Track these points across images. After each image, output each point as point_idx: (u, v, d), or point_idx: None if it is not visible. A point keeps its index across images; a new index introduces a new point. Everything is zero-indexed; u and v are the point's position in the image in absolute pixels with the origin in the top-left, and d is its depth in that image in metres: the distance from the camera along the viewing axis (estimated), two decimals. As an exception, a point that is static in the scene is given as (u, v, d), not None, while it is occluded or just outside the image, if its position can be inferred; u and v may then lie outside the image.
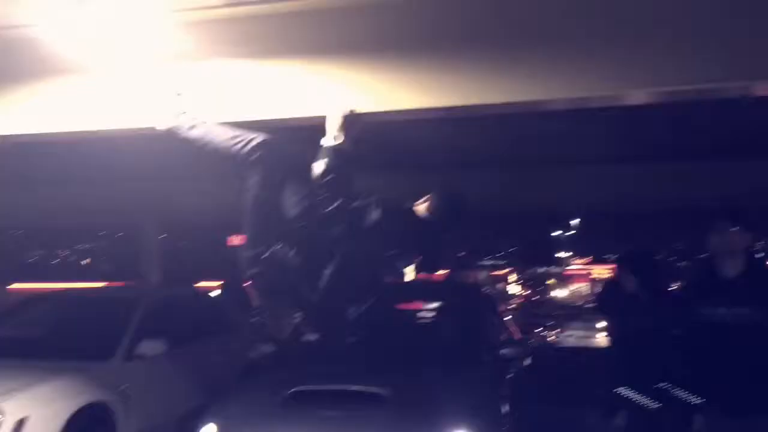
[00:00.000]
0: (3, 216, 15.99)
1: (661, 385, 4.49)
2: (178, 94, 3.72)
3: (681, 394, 4.02)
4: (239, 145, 3.42)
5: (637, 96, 3.95)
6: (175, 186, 11.65)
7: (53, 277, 23.49)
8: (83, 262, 51.62)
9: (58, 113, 4.25)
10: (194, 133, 3.59)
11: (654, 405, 4.64)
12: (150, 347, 6.28)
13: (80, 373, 5.74)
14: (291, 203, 3.41)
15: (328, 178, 3.29)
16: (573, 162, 10.27)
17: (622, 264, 5.04)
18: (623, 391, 4.77)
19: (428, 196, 3.43)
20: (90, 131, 4.25)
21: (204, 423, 4.80)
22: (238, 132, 3.49)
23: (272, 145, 3.44)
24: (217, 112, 3.75)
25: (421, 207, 3.40)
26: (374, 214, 3.26)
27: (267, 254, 3.26)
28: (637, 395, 4.72)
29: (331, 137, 3.43)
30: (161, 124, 3.72)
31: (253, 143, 3.41)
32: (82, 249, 53.36)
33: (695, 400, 3.83)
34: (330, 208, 3.27)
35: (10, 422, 5.03)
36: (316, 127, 3.61)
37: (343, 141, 3.42)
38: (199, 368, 6.91)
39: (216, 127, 3.56)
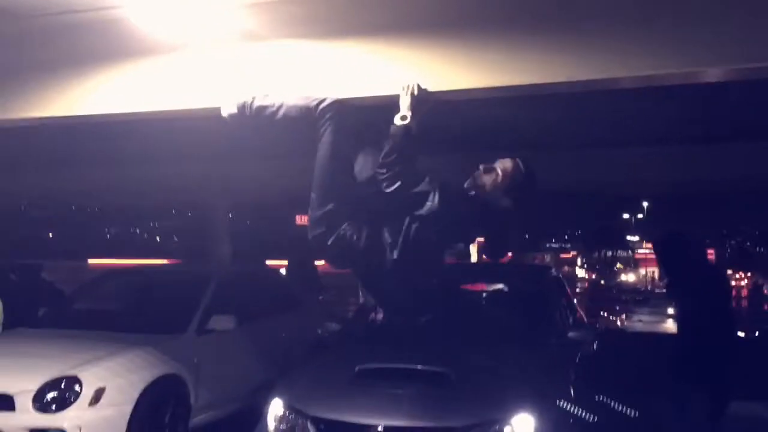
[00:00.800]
0: (83, 194, 16.65)
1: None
2: (250, 86, 3.80)
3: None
4: (313, 104, 3.45)
5: (714, 73, 3.80)
6: (244, 165, 11.87)
7: (128, 253, 24.33)
8: (156, 239, 53.29)
9: (138, 93, 4.37)
10: (266, 102, 3.65)
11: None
12: (221, 322, 6.45)
13: (154, 346, 5.94)
14: (359, 171, 3.43)
15: (392, 157, 3.30)
16: (643, 142, 9.99)
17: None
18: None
19: (495, 167, 3.37)
20: (166, 111, 4.35)
21: (272, 398, 4.90)
22: (308, 94, 3.54)
23: (344, 108, 3.46)
24: (283, 93, 3.79)
25: (488, 179, 3.35)
26: (434, 202, 3.24)
27: (336, 234, 3.28)
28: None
29: (402, 116, 3.43)
30: (227, 110, 3.79)
31: (327, 102, 3.44)
32: (156, 227, 55.13)
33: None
34: (391, 189, 3.27)
35: (88, 392, 5.26)
36: (382, 106, 3.62)
37: (412, 120, 3.42)
38: (268, 344, 7.06)
39: (285, 96, 3.60)
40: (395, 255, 3.22)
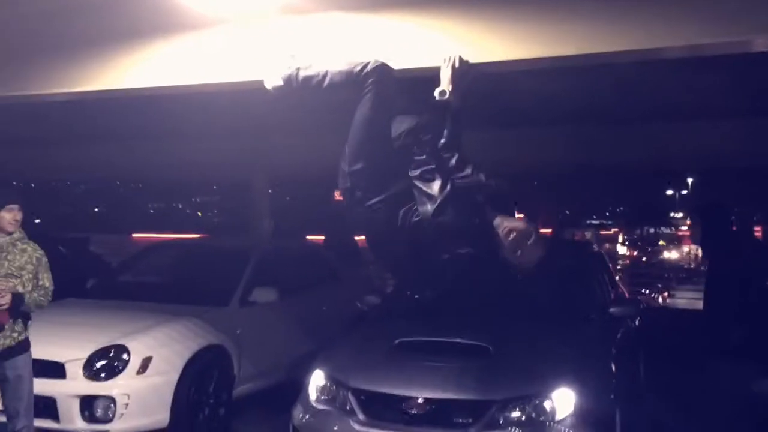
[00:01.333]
0: (126, 169, 16.92)
1: None
2: (292, 56, 3.78)
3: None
4: (357, 69, 3.43)
5: (763, 42, 3.68)
6: (284, 141, 11.92)
7: (170, 227, 24.74)
8: (198, 215, 54.07)
9: (181, 67, 4.42)
10: (310, 72, 3.64)
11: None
12: (263, 295, 6.55)
13: (199, 317, 6.07)
14: (396, 137, 3.39)
15: (428, 136, 3.26)
16: (690, 116, 9.75)
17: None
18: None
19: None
20: (209, 84, 4.40)
21: (313, 369, 4.97)
22: (351, 59, 3.52)
23: (387, 72, 3.43)
24: (326, 62, 3.79)
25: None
26: (477, 196, 3.19)
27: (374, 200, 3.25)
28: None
29: (441, 90, 3.39)
30: (271, 82, 3.79)
31: (370, 65, 3.41)
32: (198, 202, 55.91)
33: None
34: (424, 169, 3.21)
35: (136, 360, 5.40)
36: (422, 78, 3.59)
37: (453, 93, 3.38)
38: (309, 317, 7.16)
39: (328, 64, 3.59)
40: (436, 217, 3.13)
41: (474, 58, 3.63)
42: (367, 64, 3.42)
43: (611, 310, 5.71)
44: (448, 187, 3.14)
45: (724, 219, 5.02)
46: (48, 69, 4.79)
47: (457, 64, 3.47)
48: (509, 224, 3.14)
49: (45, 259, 4.64)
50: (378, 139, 3.32)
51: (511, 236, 3.13)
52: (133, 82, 4.60)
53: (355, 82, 3.43)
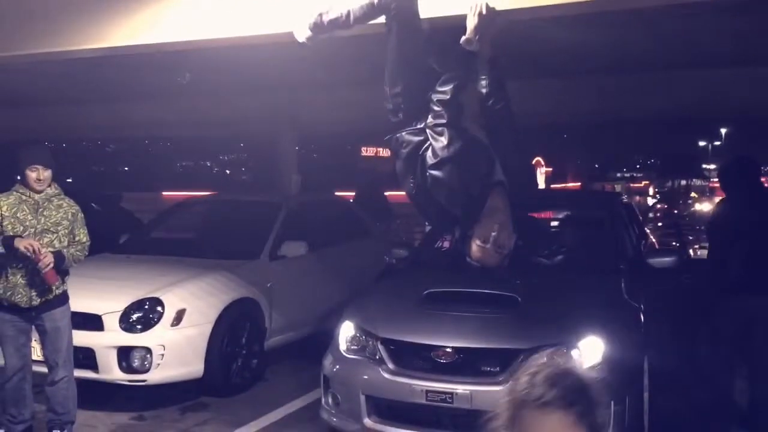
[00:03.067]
0: (154, 126, 17.03)
1: None
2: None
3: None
4: (382, 1, 3.40)
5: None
6: (311, 97, 11.88)
7: (199, 185, 24.94)
8: (226, 172, 54.39)
9: (205, 20, 4.40)
10: (333, 14, 3.65)
11: None
12: (292, 248, 6.63)
13: (231, 271, 6.18)
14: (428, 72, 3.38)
15: (448, 86, 3.22)
16: (720, 63, 9.49)
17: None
18: None
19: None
20: (236, 37, 4.38)
21: (343, 320, 5.04)
22: None
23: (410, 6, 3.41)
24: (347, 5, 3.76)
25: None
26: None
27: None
28: None
29: (467, 39, 3.34)
30: (301, 35, 3.79)
31: None
32: (226, 160, 56.22)
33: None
34: (437, 122, 3.20)
35: (170, 313, 5.53)
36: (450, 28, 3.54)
37: (480, 42, 3.33)
38: (338, 270, 7.24)
39: (347, 3, 3.58)
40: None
41: (501, 5, 3.56)
42: None
43: (649, 260, 5.62)
44: (452, 147, 3.12)
45: (750, 172, 5.07)
46: (77, 24, 4.79)
47: (484, 11, 3.40)
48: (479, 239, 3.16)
49: (81, 215, 4.74)
50: (410, 64, 3.32)
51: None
52: (159, 36, 4.59)
53: (378, 11, 3.42)
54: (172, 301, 5.58)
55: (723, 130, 40.87)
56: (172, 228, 7.89)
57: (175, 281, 5.83)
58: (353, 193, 11.63)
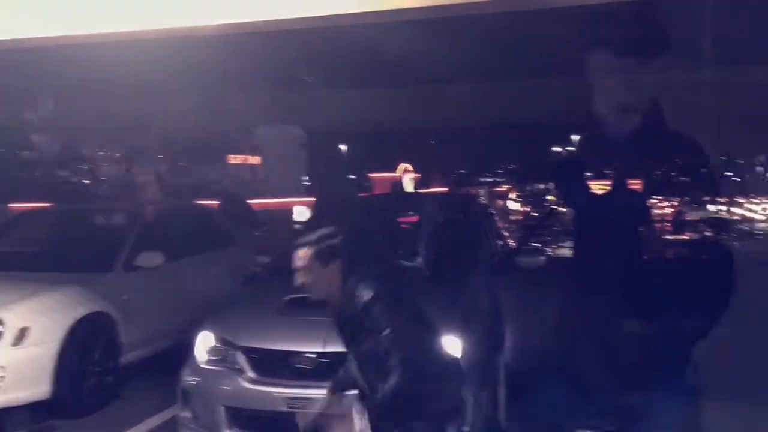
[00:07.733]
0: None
1: None
2: None
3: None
4: None
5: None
6: (171, 100, 11.47)
7: (51, 197, 23.55)
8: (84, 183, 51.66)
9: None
10: None
11: None
12: (149, 259, 6.37)
13: (81, 285, 5.85)
14: None
15: None
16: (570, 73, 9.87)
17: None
18: None
19: None
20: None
21: (200, 331, 4.87)
22: None
23: None
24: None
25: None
26: None
27: None
28: None
29: None
30: None
31: None
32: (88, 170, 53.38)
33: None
34: None
35: (11, 332, 5.16)
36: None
37: None
38: (199, 280, 7.02)
39: None
40: None
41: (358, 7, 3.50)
42: None
43: (517, 259, 5.85)
44: None
45: (577, 174, 5.57)
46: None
47: None
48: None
49: None
50: None
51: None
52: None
53: None
54: (12, 319, 5.21)
55: (574, 137, 43.35)
56: (16, 242, 7.36)
57: (17, 298, 5.45)
58: (217, 202, 11.36)
